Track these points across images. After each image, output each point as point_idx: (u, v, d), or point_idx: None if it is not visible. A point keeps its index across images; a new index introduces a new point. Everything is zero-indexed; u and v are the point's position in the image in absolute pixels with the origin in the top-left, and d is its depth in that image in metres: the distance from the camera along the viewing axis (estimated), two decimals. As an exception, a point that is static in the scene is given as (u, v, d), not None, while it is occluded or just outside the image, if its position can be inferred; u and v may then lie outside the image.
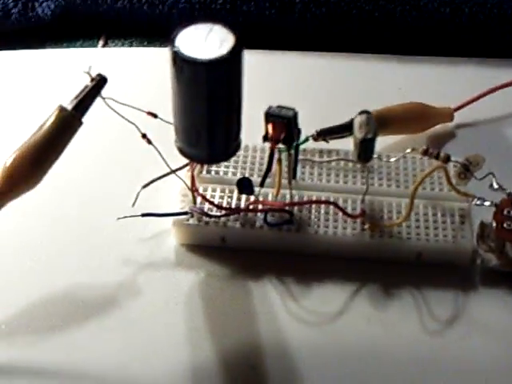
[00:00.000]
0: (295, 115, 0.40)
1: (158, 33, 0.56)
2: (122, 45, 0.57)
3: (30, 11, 0.57)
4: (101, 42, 0.57)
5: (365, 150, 0.40)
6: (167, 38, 0.35)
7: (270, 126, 0.40)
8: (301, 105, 0.41)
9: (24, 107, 0.51)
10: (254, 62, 0.51)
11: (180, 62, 0.34)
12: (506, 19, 0.55)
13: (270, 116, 0.40)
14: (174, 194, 0.42)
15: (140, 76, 0.52)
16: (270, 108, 0.40)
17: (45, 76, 0.53)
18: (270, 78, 0.52)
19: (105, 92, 0.38)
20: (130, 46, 0.57)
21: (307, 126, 0.43)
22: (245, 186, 0.41)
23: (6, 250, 0.42)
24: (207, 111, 0.36)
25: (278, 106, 0.40)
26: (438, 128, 0.48)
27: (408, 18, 0.55)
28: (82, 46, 0.57)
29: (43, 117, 0.38)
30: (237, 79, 0.36)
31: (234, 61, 0.35)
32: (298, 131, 0.41)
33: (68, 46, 0.57)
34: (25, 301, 0.40)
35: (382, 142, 0.46)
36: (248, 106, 0.38)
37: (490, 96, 0.49)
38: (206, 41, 0.35)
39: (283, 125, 0.40)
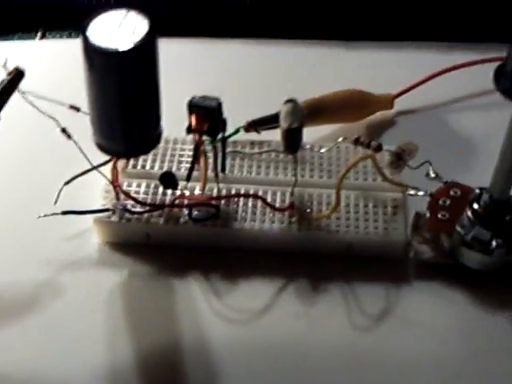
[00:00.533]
0: (219, 105, 0.39)
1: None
2: (60, 37, 0.55)
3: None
4: (39, 35, 0.56)
5: (291, 140, 0.39)
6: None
7: (192, 117, 0.39)
8: (233, 95, 0.40)
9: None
10: (181, 49, 0.51)
11: (90, 51, 0.33)
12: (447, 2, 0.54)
13: (192, 107, 0.39)
14: (97, 191, 0.41)
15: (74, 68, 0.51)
16: (193, 98, 0.39)
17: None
18: (200, 67, 0.51)
19: (37, 85, 0.37)
20: (69, 37, 0.55)
21: (241, 116, 0.42)
22: (168, 180, 0.40)
23: None
24: (120, 102, 0.35)
25: (202, 97, 0.39)
26: (378, 116, 0.47)
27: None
28: (20, 39, 0.56)
29: None
30: (150, 68, 0.35)
31: (146, 49, 0.34)
32: (224, 122, 0.40)
33: (6, 39, 0.55)
34: None
35: (318, 132, 0.45)
36: (175, 95, 0.37)
37: (432, 82, 0.47)
38: (118, 28, 0.33)
39: (206, 115, 0.38)
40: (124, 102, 0.35)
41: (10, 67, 0.37)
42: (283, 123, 0.39)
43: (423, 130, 0.46)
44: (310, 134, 0.42)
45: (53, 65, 0.51)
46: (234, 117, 0.41)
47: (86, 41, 0.33)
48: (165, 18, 0.53)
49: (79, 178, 0.40)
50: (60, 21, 0.56)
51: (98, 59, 0.33)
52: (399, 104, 0.47)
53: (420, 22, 0.54)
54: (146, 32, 0.33)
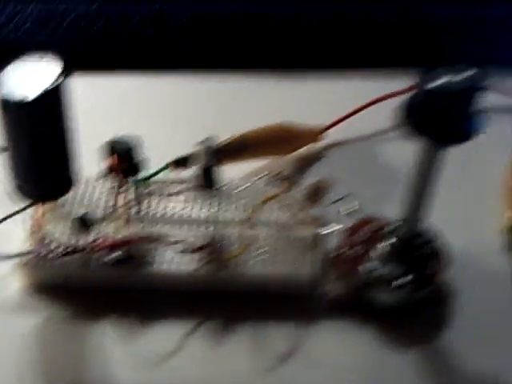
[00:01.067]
0: (137, 145, 0.40)
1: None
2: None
3: None
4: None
5: (206, 179, 0.40)
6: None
7: (111, 158, 0.40)
8: (156, 132, 0.42)
9: None
10: (103, 86, 0.51)
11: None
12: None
13: (111, 147, 0.40)
14: (17, 234, 0.41)
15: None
16: (111, 139, 0.40)
17: None
18: (124, 104, 0.51)
19: None
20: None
21: (165, 154, 0.43)
22: (85, 223, 0.40)
23: None
24: (31, 149, 0.36)
25: (120, 137, 0.40)
26: (307, 149, 0.47)
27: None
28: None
29: None
30: (59, 114, 0.36)
31: (53, 97, 0.35)
32: (142, 162, 0.41)
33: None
34: None
35: (243, 168, 0.45)
36: (96, 135, 0.39)
37: (362, 112, 0.48)
38: (30, 75, 0.34)
39: (125, 156, 0.40)
40: (35, 148, 0.36)
41: None
42: (199, 162, 0.39)
43: (351, 162, 0.47)
44: (234, 170, 0.43)
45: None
46: (159, 155, 0.42)
47: None
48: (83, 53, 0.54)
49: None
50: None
51: (5, 108, 0.34)
52: (329, 136, 0.48)
53: (348, 50, 0.54)
54: (55, 79, 0.34)
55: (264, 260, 0.40)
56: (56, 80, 0.34)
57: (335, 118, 0.48)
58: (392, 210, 0.39)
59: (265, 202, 0.40)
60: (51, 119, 0.35)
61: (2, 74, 0.35)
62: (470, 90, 0.31)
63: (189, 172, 0.43)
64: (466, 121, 0.32)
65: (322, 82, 0.52)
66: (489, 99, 0.41)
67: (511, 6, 0.56)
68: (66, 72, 0.35)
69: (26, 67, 0.35)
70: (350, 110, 0.48)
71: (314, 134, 0.47)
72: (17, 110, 0.34)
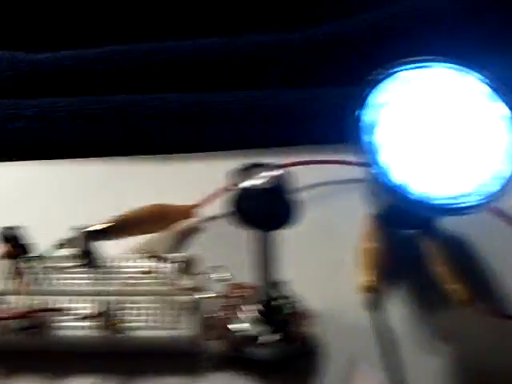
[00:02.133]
0: (21, 233, 0.47)
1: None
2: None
3: None
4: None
5: (86, 257, 0.48)
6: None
7: (4, 244, 0.47)
8: (37, 215, 0.50)
9: None
10: None
11: None
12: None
13: (3, 236, 0.47)
14: None
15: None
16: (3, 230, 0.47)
17: None
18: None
19: None
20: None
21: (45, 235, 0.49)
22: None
23: None
24: None
25: (6, 227, 0.47)
26: (184, 224, 0.54)
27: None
28: None
29: None
30: None
31: None
32: (27, 245, 0.48)
33: None
34: None
35: (125, 244, 0.51)
36: None
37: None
38: None
39: (12, 243, 0.47)
40: None
41: None
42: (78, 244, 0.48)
43: (223, 235, 0.53)
44: (119, 245, 0.50)
45: None
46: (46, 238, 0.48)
47: None
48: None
49: None
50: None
51: None
52: (203, 211, 0.54)
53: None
54: None
55: (148, 324, 0.46)
56: None
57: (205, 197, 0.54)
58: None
59: (147, 273, 0.47)
60: None
61: None
62: (278, 187, 0.38)
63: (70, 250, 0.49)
64: (280, 211, 0.39)
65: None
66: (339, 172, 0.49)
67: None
68: None
69: None
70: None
71: (187, 211, 0.54)
72: None
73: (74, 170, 0.59)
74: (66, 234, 0.49)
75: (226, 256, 0.49)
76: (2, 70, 0.64)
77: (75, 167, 0.59)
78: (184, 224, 0.54)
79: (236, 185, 0.39)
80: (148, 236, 0.53)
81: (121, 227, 0.50)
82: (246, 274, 0.46)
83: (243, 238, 0.52)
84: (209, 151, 0.60)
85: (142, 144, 0.61)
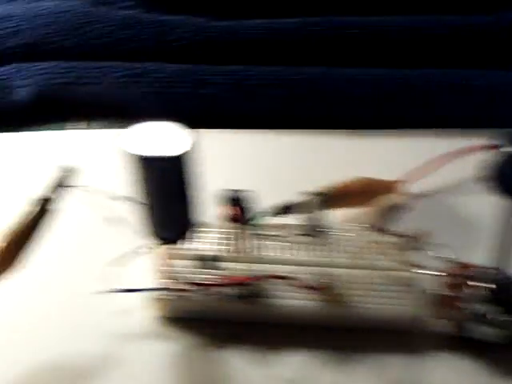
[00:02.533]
0: (248, 196, 0.46)
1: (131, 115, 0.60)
2: (103, 126, 0.61)
3: (10, 96, 0.61)
4: (82, 125, 0.61)
5: (316, 227, 0.46)
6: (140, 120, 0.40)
7: (228, 208, 0.46)
8: (254, 180, 0.47)
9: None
10: (213, 141, 0.57)
11: (136, 159, 0.40)
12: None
13: (227, 199, 0.46)
14: (148, 270, 0.46)
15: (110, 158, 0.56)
16: (224, 190, 0.46)
17: (20, 158, 0.58)
18: (224, 156, 0.57)
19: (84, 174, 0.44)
20: (111, 127, 0.61)
21: (267, 200, 0.48)
22: (207, 262, 0.46)
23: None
24: (162, 199, 0.42)
25: (232, 190, 0.46)
26: (386, 199, 0.53)
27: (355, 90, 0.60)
28: (60, 129, 0.61)
29: (15, 199, 0.44)
30: (187, 170, 0.41)
31: (186, 158, 0.40)
32: (252, 210, 0.47)
33: (40, 129, 0.61)
34: (4, 371, 0.43)
35: (334, 215, 0.50)
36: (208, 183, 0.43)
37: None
38: (157, 137, 0.40)
39: (237, 205, 0.46)
40: (165, 200, 0.42)
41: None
42: (308, 213, 0.46)
43: (433, 212, 0.52)
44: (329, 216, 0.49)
45: (100, 154, 0.58)
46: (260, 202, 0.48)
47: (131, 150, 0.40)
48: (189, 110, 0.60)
49: (134, 256, 0.45)
50: (101, 112, 0.62)
51: (147, 166, 0.40)
52: (408, 188, 0.53)
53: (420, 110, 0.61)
54: (188, 144, 0.40)
55: (370, 299, 0.45)
56: (189, 142, 0.40)
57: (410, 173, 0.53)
58: (478, 257, 0.45)
59: (369, 246, 0.46)
60: (183, 174, 0.41)
61: (134, 132, 0.40)
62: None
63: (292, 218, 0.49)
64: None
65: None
66: None
67: None
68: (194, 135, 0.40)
69: (151, 128, 0.41)
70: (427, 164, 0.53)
71: (395, 186, 0.53)
72: (157, 166, 0.40)
73: (274, 142, 0.59)
74: (287, 200, 0.49)
75: (443, 235, 0.47)
76: (187, 35, 0.64)
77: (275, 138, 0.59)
78: (390, 199, 0.53)
79: (499, 149, 0.37)
80: (351, 209, 0.52)
81: (330, 199, 0.50)
82: (466, 255, 0.45)
83: (458, 217, 0.53)
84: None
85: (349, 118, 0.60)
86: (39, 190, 0.43)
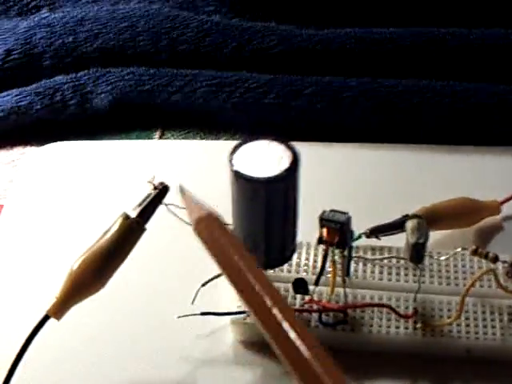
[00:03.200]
0: (348, 220, 0.42)
1: (213, 125, 0.58)
2: (179, 136, 0.59)
3: (87, 103, 0.60)
4: (157, 134, 0.59)
5: (417, 253, 0.42)
6: (222, 130, 0.37)
7: (324, 230, 0.42)
8: (350, 198, 0.45)
9: (81, 202, 0.53)
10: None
11: (240, 180, 0.37)
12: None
13: (323, 221, 0.42)
14: (231, 292, 0.43)
15: (197, 170, 0.54)
16: (323, 213, 0.42)
17: (101, 168, 0.56)
18: (319, 171, 0.54)
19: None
20: (186, 137, 0.59)
21: (360, 222, 0.45)
22: (299, 286, 0.43)
23: (68, 349, 0.44)
24: (265, 223, 0.39)
25: (332, 210, 0.42)
26: (486, 221, 0.50)
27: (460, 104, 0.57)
28: (138, 138, 0.59)
29: (101, 212, 0.42)
30: (292, 193, 0.38)
31: (291, 178, 0.37)
32: (351, 233, 0.43)
33: (125, 137, 0.59)
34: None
35: (433, 238, 0.46)
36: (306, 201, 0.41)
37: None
38: (264, 157, 0.37)
39: (337, 229, 0.42)
40: (267, 224, 0.39)
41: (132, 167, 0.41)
42: (410, 238, 0.42)
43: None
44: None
45: (172, 165, 0.55)
46: (354, 223, 0.44)
47: (236, 171, 0.37)
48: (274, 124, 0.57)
49: (215, 280, 0.43)
50: (179, 121, 0.60)
51: (248, 187, 0.38)
52: (506, 209, 0.50)
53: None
54: (292, 161, 0.37)
55: (473, 328, 0.42)
56: (293, 163, 0.37)
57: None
58: None
59: (479, 277, 0.42)
60: (286, 198, 0.39)
61: (238, 152, 0.38)
62: None
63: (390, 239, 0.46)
64: None
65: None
66: None
67: None
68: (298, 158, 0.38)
69: (257, 149, 0.38)
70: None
71: (494, 207, 0.49)
72: (259, 189, 0.38)
73: (371, 155, 0.56)
74: (384, 221, 0.46)
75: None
76: (277, 43, 0.61)
77: (372, 152, 0.56)
78: (489, 221, 0.50)
79: None
80: (450, 231, 0.49)
81: (430, 220, 0.47)
82: None
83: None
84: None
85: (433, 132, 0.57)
86: (128, 206, 0.41)
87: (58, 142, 0.58)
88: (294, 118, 0.57)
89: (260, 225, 0.39)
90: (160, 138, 0.59)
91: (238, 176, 0.37)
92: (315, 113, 0.57)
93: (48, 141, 0.59)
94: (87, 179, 0.55)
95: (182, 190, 0.37)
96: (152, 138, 0.59)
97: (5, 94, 0.62)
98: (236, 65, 0.59)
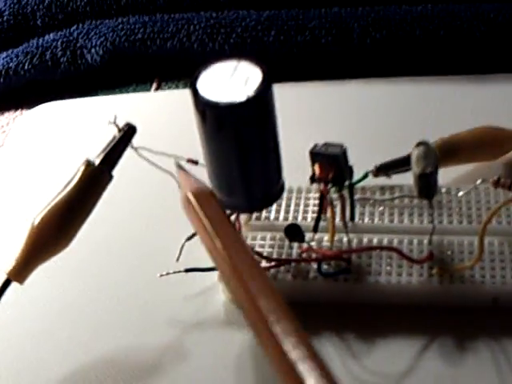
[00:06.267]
0: (344, 152, 0.36)
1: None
2: (176, 87, 0.55)
3: (79, 58, 0.55)
4: (154, 86, 0.55)
5: (426, 186, 0.36)
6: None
7: (316, 166, 0.37)
8: (357, 137, 0.40)
9: (76, 158, 0.48)
10: (296, 94, 0.49)
11: (202, 105, 0.32)
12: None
13: (315, 155, 0.37)
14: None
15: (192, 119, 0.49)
16: (315, 146, 0.37)
17: (96, 124, 0.51)
18: (319, 110, 0.49)
19: (153, 139, 0.37)
20: (185, 87, 0.54)
21: (367, 160, 0.40)
22: (293, 232, 0.37)
23: (45, 315, 0.40)
24: (238, 157, 0.34)
25: (324, 144, 0.37)
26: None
27: (476, 32, 0.50)
28: (135, 91, 0.55)
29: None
30: (267, 119, 0.33)
31: (261, 100, 0.32)
32: (350, 169, 0.37)
33: (121, 92, 0.55)
34: (68, 366, 0.37)
35: (451, 173, 0.42)
36: (298, 141, 0.36)
37: None
38: (230, 79, 0.32)
39: (331, 164, 0.36)
40: (243, 156, 0.34)
41: (122, 122, 0.36)
42: (415, 168, 0.36)
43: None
44: (444, 175, 0.39)
45: (169, 116, 0.50)
46: (360, 161, 0.39)
47: (196, 95, 0.32)
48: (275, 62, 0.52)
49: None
50: (176, 70, 0.55)
51: (210, 113, 0.32)
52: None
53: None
54: (261, 82, 0.32)
55: (500, 271, 0.36)
56: (262, 84, 0.32)
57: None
58: None
59: (499, 209, 0.36)
60: (260, 125, 0.33)
61: (200, 78, 0.33)
62: None
63: (399, 177, 0.40)
64: None
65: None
66: None
67: None
68: (269, 77, 0.32)
69: (223, 71, 0.33)
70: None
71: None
72: (224, 115, 0.32)
73: (383, 90, 0.50)
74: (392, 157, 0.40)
75: None
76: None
77: (383, 86, 0.50)
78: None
79: None
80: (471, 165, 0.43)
81: (448, 152, 0.41)
82: None
83: None
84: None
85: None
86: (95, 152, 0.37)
87: (49, 103, 0.54)
88: (298, 55, 0.52)
89: (233, 160, 0.33)
90: (156, 90, 0.54)
91: (200, 102, 0.32)
92: (320, 47, 0.51)
93: (41, 104, 0.55)
94: (80, 139, 0.51)
95: (179, 166, 0.37)
96: (149, 91, 0.54)
97: (-8, 57, 0.58)
98: (234, 4, 0.54)
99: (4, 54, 0.58)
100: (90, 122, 0.52)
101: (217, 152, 0.33)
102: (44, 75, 0.57)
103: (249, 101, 0.31)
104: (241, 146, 0.33)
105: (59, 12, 0.59)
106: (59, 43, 0.56)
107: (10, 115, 0.56)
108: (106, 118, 0.51)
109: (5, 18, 0.59)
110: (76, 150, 0.49)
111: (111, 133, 0.47)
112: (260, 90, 0.32)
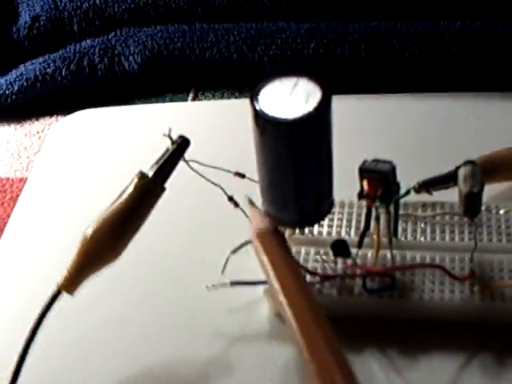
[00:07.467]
0: (393, 169, 0.37)
1: (250, 82, 0.54)
2: (213, 97, 0.55)
3: (117, 66, 0.56)
4: (191, 95, 0.55)
5: (471, 205, 0.37)
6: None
7: (365, 183, 0.37)
8: (399, 153, 0.39)
9: (112, 167, 0.49)
10: (346, 107, 0.49)
11: (262, 121, 0.32)
12: None
13: (364, 172, 0.37)
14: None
15: (231, 130, 0.50)
16: (364, 163, 0.37)
17: (133, 133, 0.52)
18: (364, 124, 0.49)
19: (192, 150, 0.37)
20: (221, 97, 0.54)
21: (408, 176, 0.40)
22: (340, 248, 0.38)
23: (91, 327, 0.40)
24: (294, 172, 0.34)
25: (374, 160, 0.37)
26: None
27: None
28: (171, 100, 0.56)
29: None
30: (325, 136, 0.34)
31: (321, 117, 0.33)
32: (397, 186, 0.38)
33: (157, 101, 0.56)
34: (113, 378, 0.38)
35: (490, 191, 0.42)
36: (341, 156, 0.36)
37: None
38: (290, 96, 0.33)
39: (380, 181, 0.37)
40: (298, 172, 0.34)
41: (159, 131, 0.37)
42: (463, 187, 0.37)
43: None
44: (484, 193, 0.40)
45: (208, 127, 0.50)
46: (401, 177, 0.39)
47: (256, 110, 0.33)
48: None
49: (247, 247, 0.39)
50: (213, 80, 0.55)
51: (270, 129, 0.33)
52: None
53: None
54: (320, 99, 0.32)
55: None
56: (322, 101, 0.32)
57: None
58: None
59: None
60: (317, 142, 0.34)
61: (262, 92, 0.33)
62: None
63: (440, 194, 0.41)
64: None
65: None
66: None
67: None
68: (328, 95, 0.33)
69: (283, 88, 0.33)
70: None
71: None
72: (283, 131, 0.33)
73: (424, 105, 0.50)
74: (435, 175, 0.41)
75: None
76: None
77: (425, 102, 0.51)
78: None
79: None
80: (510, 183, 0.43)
81: (489, 170, 0.41)
82: None
83: None
84: None
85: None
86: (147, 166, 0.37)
87: (85, 110, 0.54)
88: (337, 68, 0.52)
89: (288, 175, 0.34)
90: (193, 99, 0.54)
91: (260, 117, 0.32)
92: (359, 61, 0.52)
93: (76, 110, 0.55)
94: (117, 147, 0.51)
95: (251, 202, 0.38)
96: (186, 101, 0.55)
97: (29, 62, 0.58)
98: (273, 15, 0.54)
99: (41, 59, 0.58)
100: (127, 131, 0.52)
101: (273, 167, 0.34)
102: (81, 81, 0.57)
103: (309, 118, 0.32)
104: (297, 162, 0.33)
105: (96, 18, 0.59)
106: (97, 50, 0.57)
107: (45, 121, 0.57)
108: (142, 127, 0.52)
109: (41, 22, 0.60)
110: (112, 159, 0.50)
111: (149, 141, 0.48)
112: (320, 107, 0.32)
